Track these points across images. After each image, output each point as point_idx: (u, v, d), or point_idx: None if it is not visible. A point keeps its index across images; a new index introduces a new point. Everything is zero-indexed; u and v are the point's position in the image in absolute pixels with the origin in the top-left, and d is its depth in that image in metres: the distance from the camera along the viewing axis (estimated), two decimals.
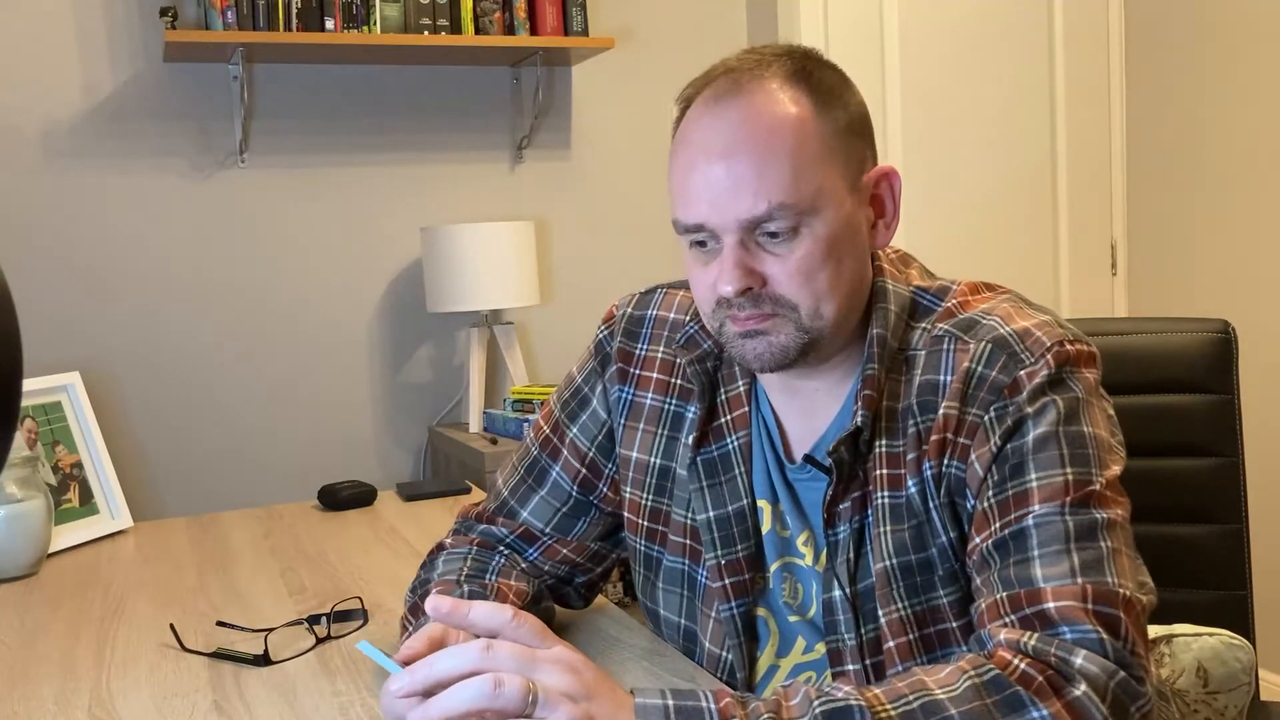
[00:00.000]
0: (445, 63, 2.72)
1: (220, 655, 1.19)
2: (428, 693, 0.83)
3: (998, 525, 0.93)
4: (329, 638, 1.22)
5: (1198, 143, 2.94)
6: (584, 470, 1.18)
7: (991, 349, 0.97)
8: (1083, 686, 0.82)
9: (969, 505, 0.96)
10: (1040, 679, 0.83)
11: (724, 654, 1.08)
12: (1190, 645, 1.17)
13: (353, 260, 2.71)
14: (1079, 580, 0.87)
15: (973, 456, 0.95)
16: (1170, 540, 1.39)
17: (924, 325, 1.02)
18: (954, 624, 0.99)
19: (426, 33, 2.54)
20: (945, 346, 1.00)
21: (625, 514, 1.16)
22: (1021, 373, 0.95)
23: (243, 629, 1.25)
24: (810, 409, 1.06)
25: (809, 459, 1.04)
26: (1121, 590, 0.88)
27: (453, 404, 2.81)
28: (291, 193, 2.65)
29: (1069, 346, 0.96)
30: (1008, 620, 0.89)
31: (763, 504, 1.08)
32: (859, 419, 0.98)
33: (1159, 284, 3.12)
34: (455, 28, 2.57)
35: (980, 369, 0.97)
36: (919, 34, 2.99)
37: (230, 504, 2.59)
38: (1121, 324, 1.45)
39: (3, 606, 1.43)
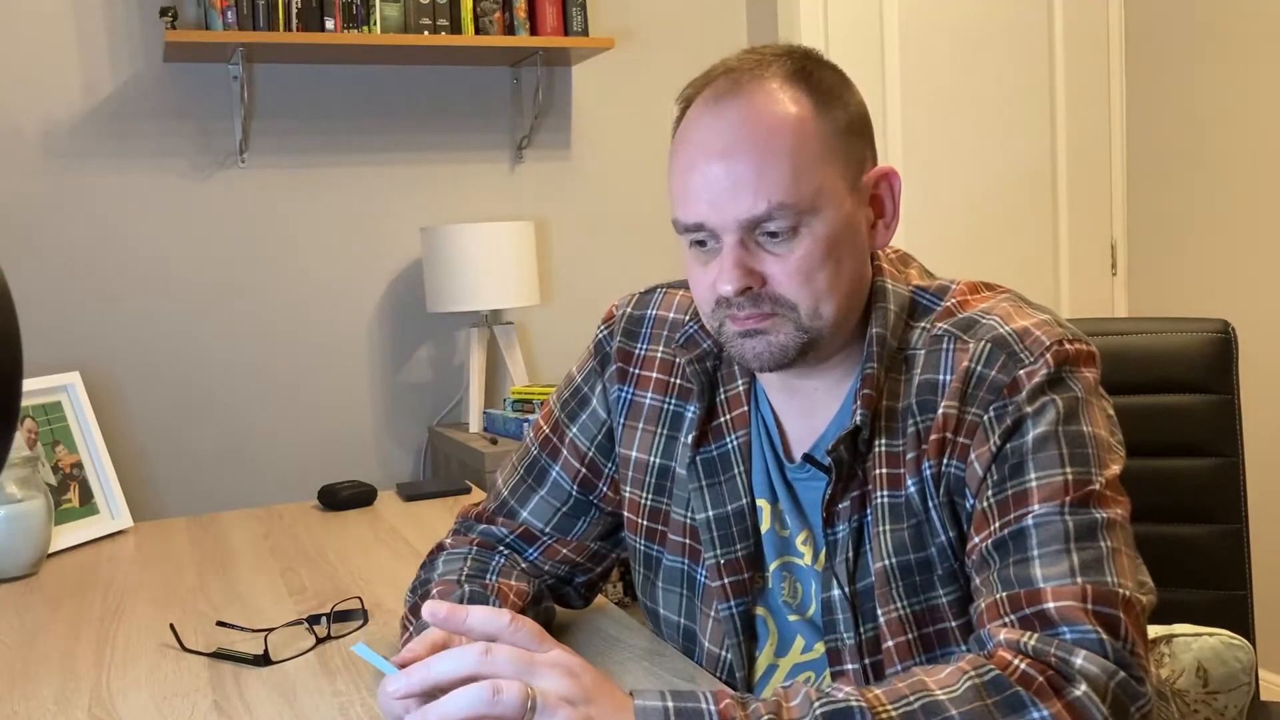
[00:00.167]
0: (445, 63, 2.72)
1: (220, 655, 1.19)
2: (427, 696, 0.83)
3: (997, 525, 0.93)
4: (329, 638, 1.22)
5: (1197, 143, 2.94)
6: (584, 470, 1.18)
7: (991, 348, 0.97)
8: (1083, 687, 0.82)
9: (968, 505, 0.96)
10: (1040, 679, 0.83)
11: (723, 653, 1.08)
12: (1190, 645, 1.17)
13: (353, 260, 2.71)
14: (1079, 580, 0.87)
15: (972, 456, 0.95)
16: (1170, 540, 1.39)
17: (923, 325, 1.02)
18: (953, 623, 0.99)
19: (426, 33, 2.54)
20: (945, 346, 1.00)
21: (625, 513, 1.16)
22: (1021, 372, 0.95)
23: (243, 629, 1.25)
24: (810, 408, 1.06)
25: (808, 458, 1.04)
26: (1121, 590, 0.88)
27: (453, 404, 2.81)
28: (291, 193, 2.65)
29: (1068, 346, 0.96)
30: (1007, 620, 0.89)
31: (762, 503, 1.08)
32: (858, 418, 0.98)
33: (1159, 284, 3.12)
34: (455, 28, 2.57)
35: (980, 368, 0.97)
36: (919, 34, 2.99)
37: (230, 504, 2.59)
38: (1121, 324, 1.45)
39: (3, 606, 1.43)
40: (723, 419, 1.10)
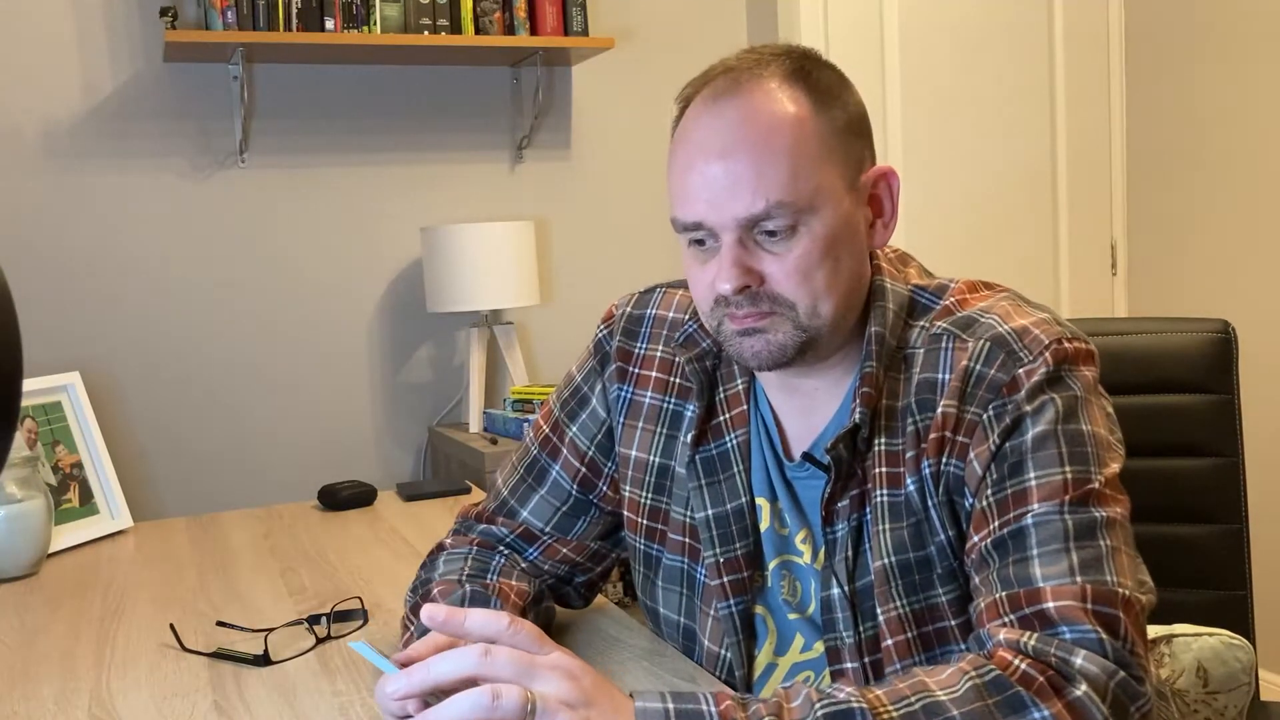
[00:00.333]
0: (445, 63, 2.72)
1: (220, 655, 1.19)
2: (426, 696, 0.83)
3: (996, 524, 0.93)
4: (329, 638, 1.22)
5: (1197, 143, 2.94)
6: (583, 469, 1.18)
7: (990, 347, 0.97)
8: (1083, 687, 0.82)
9: (967, 504, 0.96)
10: (1041, 679, 0.83)
11: (723, 652, 1.08)
12: (1190, 645, 1.17)
13: (353, 260, 2.71)
14: (1078, 579, 0.87)
15: (971, 455, 0.96)
16: (1170, 540, 1.39)
17: (922, 323, 1.02)
18: (952, 622, 0.99)
19: (426, 33, 2.54)
20: (944, 345, 1.00)
21: (625, 513, 1.17)
22: (1020, 371, 0.95)
23: (243, 629, 1.25)
24: (809, 407, 1.06)
25: (807, 457, 1.04)
26: (1121, 590, 0.88)
27: (453, 404, 2.81)
28: (291, 193, 2.65)
29: (1067, 344, 0.96)
30: (1007, 620, 0.89)
31: (761, 502, 1.08)
32: (857, 416, 0.99)
33: (1159, 284, 3.12)
34: (455, 28, 2.57)
35: (979, 367, 0.97)
36: (919, 34, 2.99)
37: (230, 504, 2.59)
38: (1121, 324, 1.45)
39: (3, 606, 1.43)
40: (722, 418, 1.10)
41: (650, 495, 1.13)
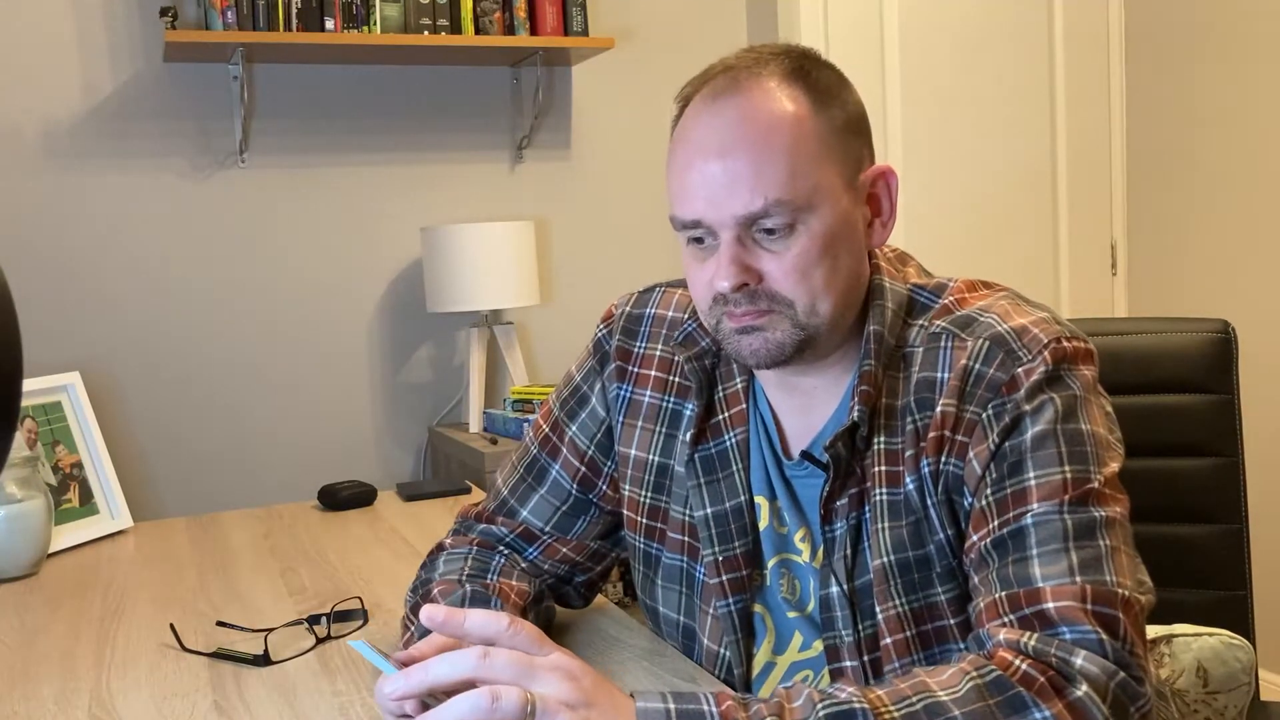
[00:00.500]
0: (445, 63, 2.72)
1: (220, 655, 1.19)
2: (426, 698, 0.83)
3: (996, 523, 0.93)
4: (329, 638, 1.22)
5: (1197, 143, 2.94)
6: (583, 468, 1.18)
7: (989, 346, 0.97)
8: (1084, 687, 0.82)
9: (966, 503, 0.96)
10: (1042, 679, 0.83)
11: (721, 651, 1.08)
12: (1190, 645, 1.17)
13: (353, 260, 2.71)
14: (1078, 580, 0.87)
15: (971, 454, 0.96)
16: (1170, 540, 1.39)
17: (921, 322, 1.02)
18: (951, 621, 0.99)
19: (426, 33, 2.54)
20: (943, 344, 1.00)
21: (624, 511, 1.17)
22: (1019, 370, 0.95)
23: (243, 629, 1.25)
24: (808, 406, 1.06)
25: (806, 455, 1.04)
26: (1120, 590, 0.88)
27: (453, 404, 2.81)
28: (291, 193, 2.65)
29: (1066, 343, 0.96)
30: (1007, 620, 0.89)
31: (760, 500, 1.08)
32: (855, 414, 0.99)
33: (1159, 284, 3.12)
34: (455, 28, 2.57)
35: (978, 366, 0.97)
36: (919, 34, 2.99)
37: (230, 504, 2.60)
38: (1121, 324, 1.45)
39: (3, 606, 1.43)
40: (721, 416, 1.10)
41: (650, 494, 1.13)
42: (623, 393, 1.16)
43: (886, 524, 0.99)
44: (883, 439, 1.00)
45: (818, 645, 1.05)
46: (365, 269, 2.72)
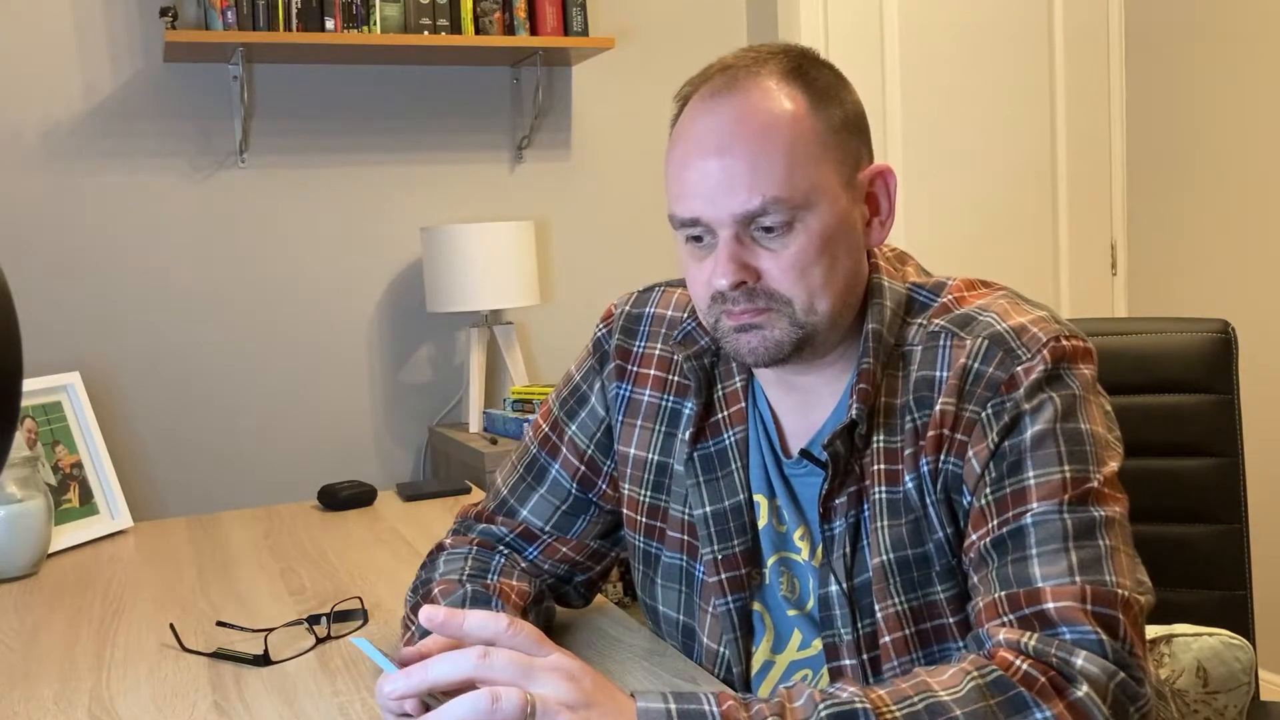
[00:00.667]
0: (445, 63, 2.72)
1: (220, 655, 1.19)
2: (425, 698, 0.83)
3: (995, 523, 0.93)
4: (329, 638, 1.22)
5: (1197, 143, 2.94)
6: (583, 468, 1.18)
7: (988, 345, 0.97)
8: (1085, 688, 0.82)
9: (965, 502, 0.96)
10: (1043, 680, 0.83)
11: (720, 649, 1.08)
12: (1190, 645, 1.17)
13: (353, 260, 2.71)
14: (1077, 580, 0.88)
15: (970, 453, 0.96)
16: (1170, 540, 1.39)
17: (920, 321, 1.03)
18: (950, 619, 0.99)
19: (426, 33, 2.54)
20: (941, 342, 1.00)
21: (624, 510, 1.17)
22: (1018, 369, 0.95)
23: (243, 629, 1.25)
24: (806, 404, 1.06)
25: (805, 454, 1.04)
26: (1120, 591, 0.88)
27: (453, 404, 2.81)
28: (291, 193, 2.65)
29: (1065, 342, 0.96)
30: (1006, 620, 0.89)
31: (759, 499, 1.08)
32: (854, 413, 0.99)
33: (1159, 284, 3.12)
34: (455, 28, 2.57)
35: (977, 365, 0.97)
36: (919, 33, 2.99)
37: (230, 504, 2.59)
38: (1121, 324, 1.45)
39: (3, 606, 1.43)
40: (720, 415, 1.10)
41: (649, 493, 1.13)
42: (622, 392, 1.16)
43: (885, 522, 0.99)
44: (881, 437, 1.00)
45: (816, 644, 1.05)
46: (365, 269, 2.72)
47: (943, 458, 0.97)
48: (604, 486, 1.18)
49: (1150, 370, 1.40)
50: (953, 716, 0.81)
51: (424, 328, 2.78)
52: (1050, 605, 0.87)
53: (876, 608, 0.99)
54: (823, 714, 0.81)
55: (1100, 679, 0.83)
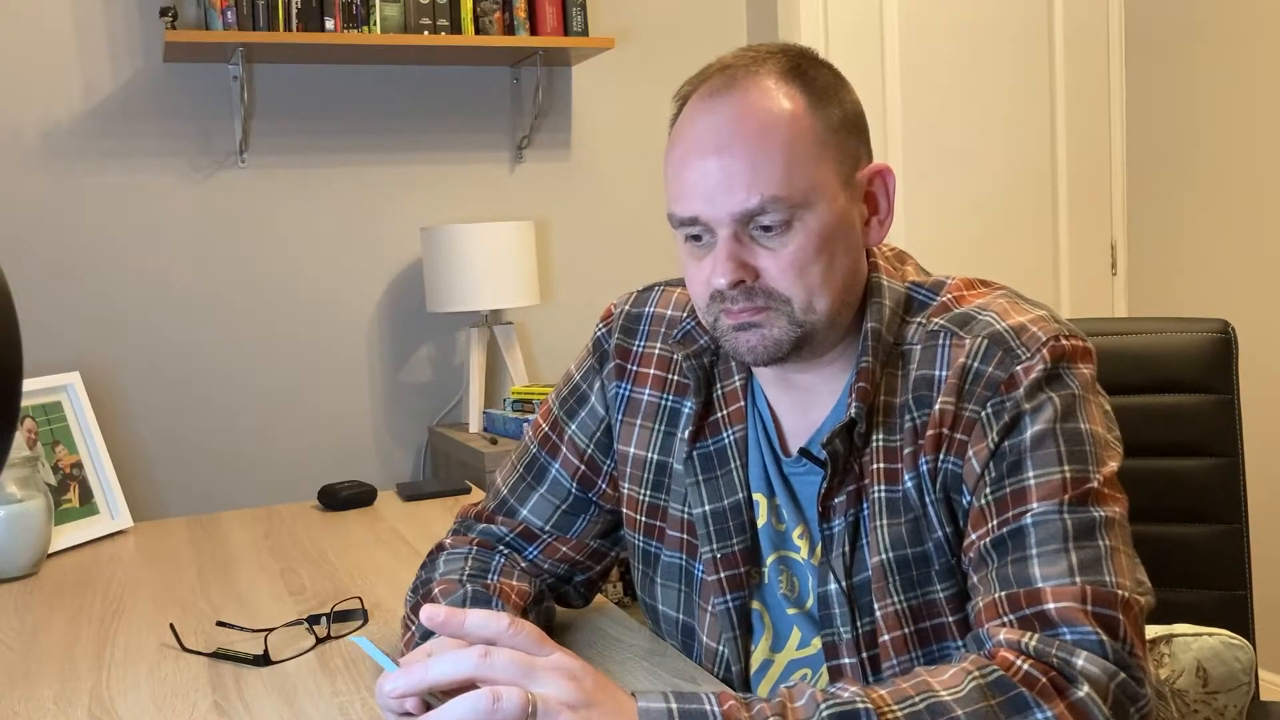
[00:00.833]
0: (445, 63, 2.72)
1: (220, 655, 1.19)
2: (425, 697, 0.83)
3: (995, 523, 0.93)
4: (329, 638, 1.22)
5: (1197, 143, 2.94)
6: (583, 467, 1.18)
7: (987, 344, 0.97)
8: (1085, 688, 0.83)
9: (965, 501, 0.96)
10: (1044, 680, 0.83)
11: (720, 648, 1.08)
12: (1190, 645, 1.17)
13: (353, 260, 2.71)
14: (1077, 580, 0.88)
15: (969, 452, 0.96)
16: (1170, 540, 1.39)
17: (919, 320, 1.03)
18: (950, 619, 0.99)
19: (426, 33, 2.54)
20: (941, 341, 1.00)
21: (624, 510, 1.17)
22: (1018, 368, 0.95)
23: (243, 629, 1.25)
24: (806, 403, 1.06)
25: (804, 452, 1.04)
26: (1120, 591, 0.88)
27: (453, 404, 2.81)
28: (291, 193, 2.65)
29: (1064, 342, 0.96)
30: (1006, 620, 0.89)
31: (758, 498, 1.08)
32: (853, 411, 0.99)
33: (1159, 284, 3.12)
34: (455, 28, 2.57)
35: (976, 364, 0.97)
36: (919, 33, 2.99)
37: (230, 504, 2.60)
38: (1121, 324, 1.45)
39: (3, 606, 1.43)
40: (719, 414, 1.10)
41: (649, 492, 1.13)
42: (622, 391, 1.16)
43: (885, 521, 0.99)
44: (881, 436, 1.00)
45: (816, 642, 1.05)
46: (365, 269, 2.72)
47: (942, 457, 0.97)
48: (604, 486, 1.18)
49: (1150, 370, 1.40)
50: (954, 716, 0.81)
51: (424, 328, 2.78)
52: (1050, 606, 0.87)
53: (875, 606, 0.99)
54: (824, 714, 0.81)
55: (1101, 679, 0.83)
